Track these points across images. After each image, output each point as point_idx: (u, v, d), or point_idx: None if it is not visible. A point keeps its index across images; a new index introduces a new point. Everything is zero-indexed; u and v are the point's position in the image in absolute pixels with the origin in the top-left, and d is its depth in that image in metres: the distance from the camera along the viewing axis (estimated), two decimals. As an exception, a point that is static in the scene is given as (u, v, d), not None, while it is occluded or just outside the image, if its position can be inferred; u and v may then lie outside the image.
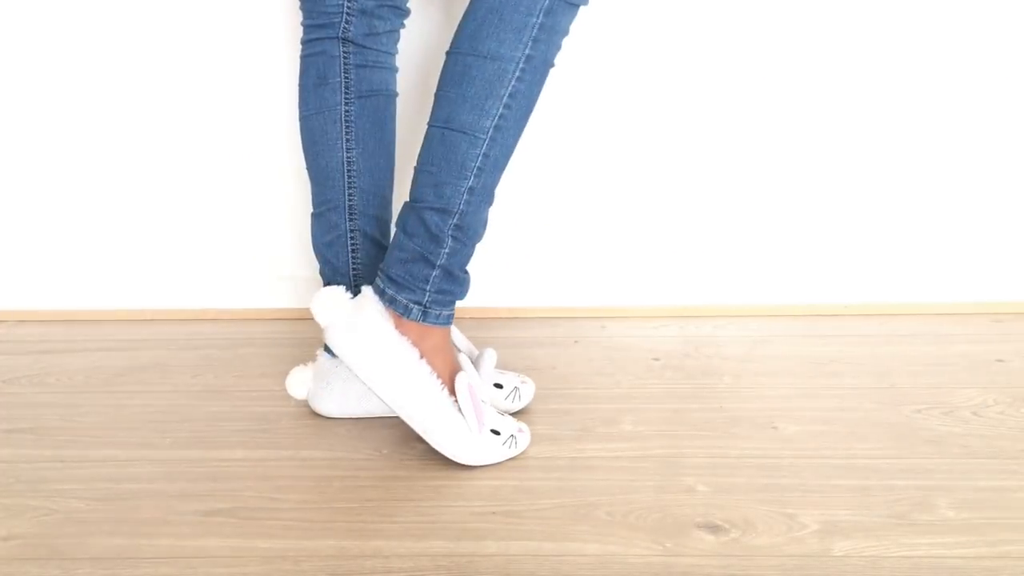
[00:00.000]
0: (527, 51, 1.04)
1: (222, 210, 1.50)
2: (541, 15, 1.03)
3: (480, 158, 1.06)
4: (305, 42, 1.18)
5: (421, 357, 1.08)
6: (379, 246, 1.21)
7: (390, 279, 1.09)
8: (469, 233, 1.09)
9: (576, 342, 1.42)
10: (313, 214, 1.21)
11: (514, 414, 1.19)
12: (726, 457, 1.10)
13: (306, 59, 1.18)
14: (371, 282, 1.15)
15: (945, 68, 1.40)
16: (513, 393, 1.20)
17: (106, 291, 1.54)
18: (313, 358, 1.23)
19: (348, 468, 1.09)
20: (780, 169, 1.45)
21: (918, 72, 1.40)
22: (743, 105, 1.42)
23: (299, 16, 1.18)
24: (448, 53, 1.07)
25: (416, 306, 1.08)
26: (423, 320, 1.08)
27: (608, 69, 1.41)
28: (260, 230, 1.51)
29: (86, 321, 1.54)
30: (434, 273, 1.08)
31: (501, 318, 1.52)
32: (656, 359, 1.35)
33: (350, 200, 1.19)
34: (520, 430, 1.11)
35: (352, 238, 1.20)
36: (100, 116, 1.46)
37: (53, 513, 1.02)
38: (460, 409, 1.08)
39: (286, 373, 1.28)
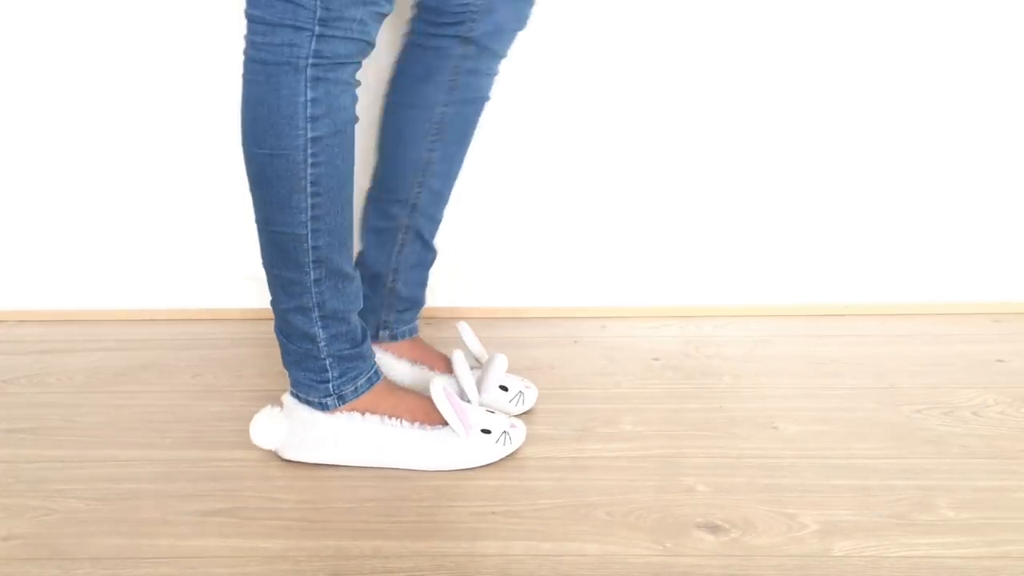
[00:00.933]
0: (310, 135, 0.97)
1: (222, 210, 1.50)
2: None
3: (311, 251, 1.01)
4: (420, 33, 1.14)
5: (363, 413, 1.09)
6: (426, 246, 1.22)
7: (296, 382, 1.09)
8: (338, 315, 1.05)
9: (576, 342, 1.42)
10: (370, 195, 1.20)
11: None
12: (726, 457, 1.10)
13: (415, 48, 1.14)
14: (402, 276, 1.21)
15: (945, 68, 1.40)
16: (518, 397, 1.20)
17: (106, 291, 1.54)
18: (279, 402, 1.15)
19: (348, 468, 1.09)
20: (780, 169, 1.45)
21: (918, 72, 1.40)
22: (743, 105, 1.42)
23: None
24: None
25: (329, 398, 1.08)
26: (341, 404, 1.08)
27: (608, 69, 1.41)
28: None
29: (86, 321, 1.54)
30: (327, 363, 1.07)
31: (501, 318, 1.52)
32: (656, 359, 1.35)
33: (416, 199, 1.18)
34: (512, 426, 1.11)
35: (404, 233, 1.20)
36: (100, 116, 1.46)
37: (53, 513, 1.02)
38: (444, 417, 1.08)
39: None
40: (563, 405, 1.23)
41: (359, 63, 0.99)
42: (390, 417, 1.09)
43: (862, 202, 1.47)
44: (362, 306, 1.09)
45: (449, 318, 1.51)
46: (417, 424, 1.09)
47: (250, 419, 1.20)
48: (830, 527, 0.97)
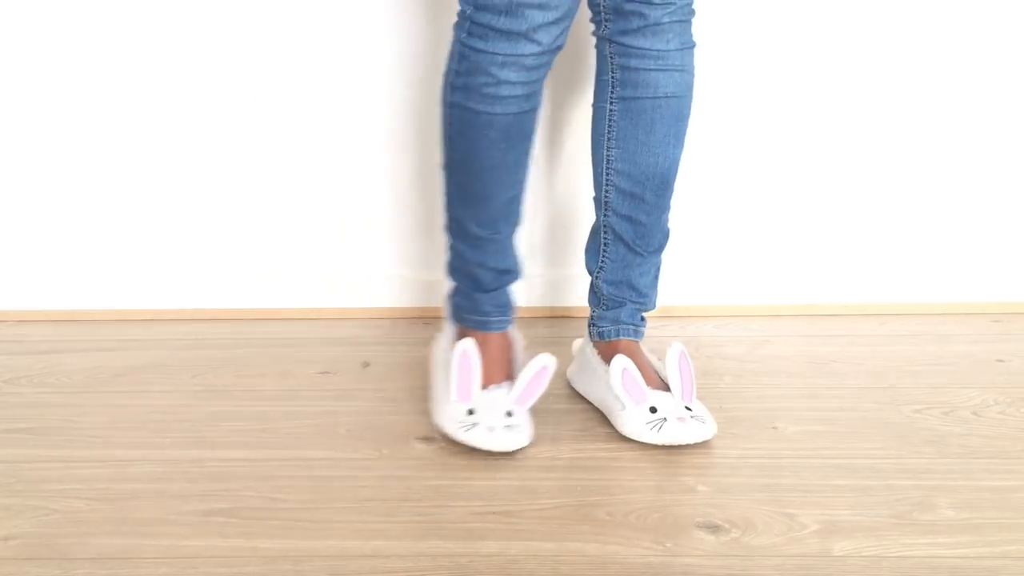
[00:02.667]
0: (449, 99, 1.11)
1: (222, 210, 1.50)
2: None
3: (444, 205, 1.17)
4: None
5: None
6: (631, 250, 1.20)
7: None
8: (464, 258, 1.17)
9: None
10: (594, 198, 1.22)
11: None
12: (726, 457, 1.10)
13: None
14: (610, 280, 1.21)
15: (945, 69, 1.40)
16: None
17: (106, 291, 1.54)
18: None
19: (348, 468, 1.09)
20: (780, 169, 1.45)
21: (918, 73, 1.40)
22: (743, 105, 1.42)
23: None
24: None
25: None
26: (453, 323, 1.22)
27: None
28: (260, 230, 1.51)
29: (86, 321, 1.54)
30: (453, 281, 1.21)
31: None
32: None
33: (606, 196, 1.19)
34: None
35: (605, 234, 1.21)
36: (100, 116, 1.46)
37: (53, 513, 1.02)
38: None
39: (285, 373, 1.28)
40: (563, 405, 1.23)
41: (511, 56, 1.02)
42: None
43: (862, 202, 1.47)
44: (497, 265, 1.17)
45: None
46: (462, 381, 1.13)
47: (250, 419, 1.21)
48: (830, 527, 0.97)
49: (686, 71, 1.13)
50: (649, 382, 1.16)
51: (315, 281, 1.53)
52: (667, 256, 1.48)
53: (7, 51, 1.43)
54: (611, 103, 1.13)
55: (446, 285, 1.24)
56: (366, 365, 1.36)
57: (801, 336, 1.43)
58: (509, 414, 1.12)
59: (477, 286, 1.19)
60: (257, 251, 1.52)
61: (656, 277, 1.24)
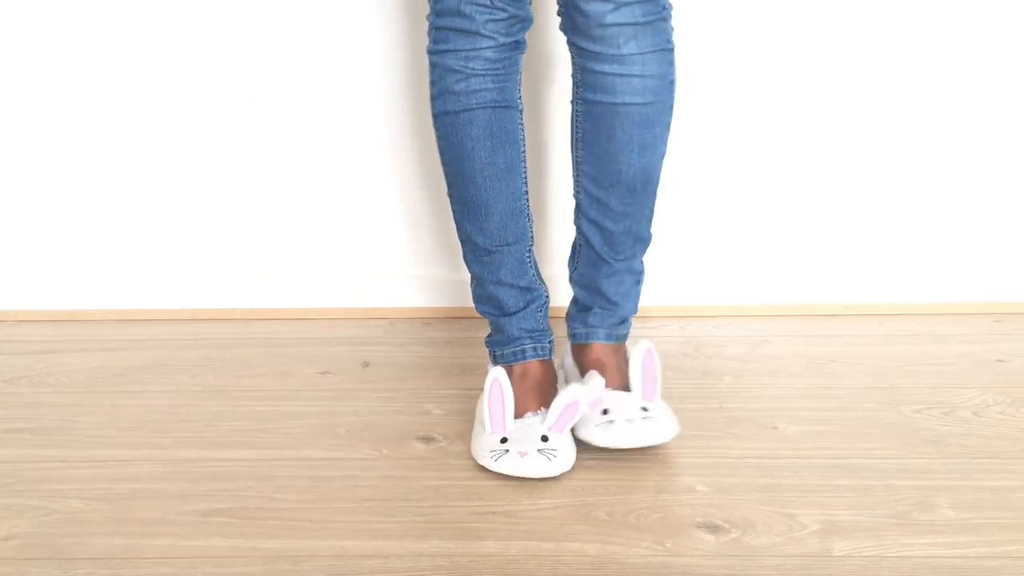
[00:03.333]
0: (433, 111, 1.13)
1: (222, 210, 1.50)
2: None
3: (453, 212, 1.17)
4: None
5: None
6: (599, 256, 1.16)
7: None
8: (479, 279, 1.17)
9: (576, 342, 1.42)
10: None
11: None
12: (726, 457, 1.10)
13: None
14: (581, 283, 1.20)
15: (945, 68, 1.40)
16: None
17: (106, 291, 1.54)
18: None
19: (348, 468, 1.10)
20: (779, 169, 1.45)
21: (918, 72, 1.40)
22: (743, 105, 1.42)
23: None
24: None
25: (490, 351, 1.21)
26: (494, 362, 1.20)
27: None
28: (260, 230, 1.51)
29: (86, 321, 1.54)
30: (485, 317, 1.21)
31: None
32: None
33: (577, 198, 1.16)
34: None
35: (577, 236, 1.19)
36: (100, 117, 1.46)
37: (53, 513, 1.02)
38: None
39: (285, 373, 1.29)
40: (563, 405, 1.23)
41: (471, 50, 1.06)
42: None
43: (862, 202, 1.47)
44: (515, 282, 1.16)
45: (449, 318, 1.51)
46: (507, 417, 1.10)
47: (250, 419, 1.21)
48: (830, 527, 0.97)
49: (650, 76, 1.05)
50: (611, 382, 1.13)
51: (315, 281, 1.53)
52: (667, 256, 1.48)
53: (7, 51, 1.43)
54: (577, 103, 1.12)
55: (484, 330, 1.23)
56: (366, 365, 1.36)
57: (801, 336, 1.43)
58: (544, 439, 1.07)
59: (501, 309, 1.16)
60: (257, 251, 1.52)
61: (635, 284, 1.20)
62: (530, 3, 1.07)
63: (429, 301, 1.53)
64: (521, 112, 1.12)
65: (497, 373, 1.09)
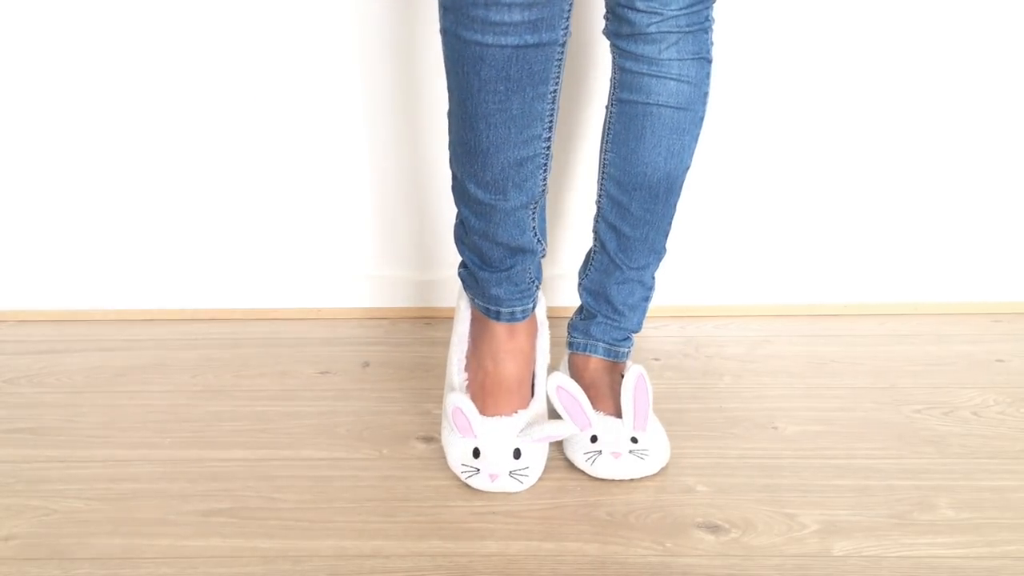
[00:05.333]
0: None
1: (221, 210, 1.50)
2: None
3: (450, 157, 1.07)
4: None
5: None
6: (612, 261, 1.15)
7: None
8: (469, 226, 1.04)
9: (576, 342, 1.42)
10: None
11: None
12: (726, 457, 1.10)
13: None
14: (589, 289, 1.18)
15: (945, 68, 1.40)
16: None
17: (106, 291, 1.54)
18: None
19: (348, 468, 1.10)
20: (780, 169, 1.45)
21: (918, 72, 1.40)
22: (743, 104, 1.42)
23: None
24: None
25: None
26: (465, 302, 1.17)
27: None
28: (260, 230, 1.51)
29: (86, 321, 1.54)
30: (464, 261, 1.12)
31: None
32: (656, 359, 1.35)
33: (599, 201, 1.15)
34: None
35: (595, 240, 1.17)
36: (99, 117, 1.46)
37: (53, 513, 1.02)
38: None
39: (285, 373, 1.29)
40: (563, 405, 1.23)
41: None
42: (466, 347, 1.11)
43: (862, 202, 1.47)
44: (508, 242, 1.02)
45: (449, 318, 1.51)
46: (463, 374, 1.10)
47: (250, 419, 1.21)
48: (830, 527, 0.97)
49: (686, 82, 1.04)
50: (600, 405, 1.11)
51: (315, 281, 1.53)
52: (668, 256, 1.48)
53: (7, 51, 1.43)
54: (612, 104, 1.11)
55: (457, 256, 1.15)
56: (366, 365, 1.36)
57: (801, 336, 1.43)
58: (517, 455, 1.05)
59: (482, 263, 1.05)
60: (257, 251, 1.52)
61: (643, 299, 1.17)
62: None
63: (429, 301, 1.53)
64: (563, 45, 0.90)
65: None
